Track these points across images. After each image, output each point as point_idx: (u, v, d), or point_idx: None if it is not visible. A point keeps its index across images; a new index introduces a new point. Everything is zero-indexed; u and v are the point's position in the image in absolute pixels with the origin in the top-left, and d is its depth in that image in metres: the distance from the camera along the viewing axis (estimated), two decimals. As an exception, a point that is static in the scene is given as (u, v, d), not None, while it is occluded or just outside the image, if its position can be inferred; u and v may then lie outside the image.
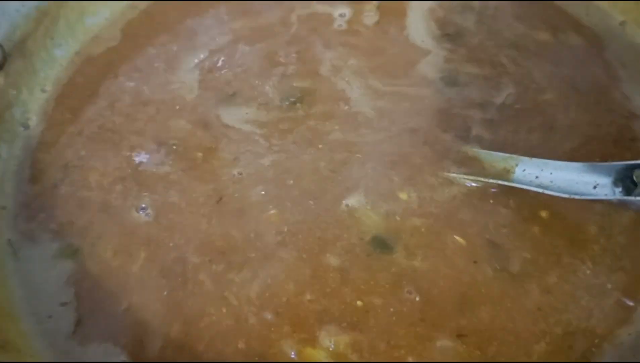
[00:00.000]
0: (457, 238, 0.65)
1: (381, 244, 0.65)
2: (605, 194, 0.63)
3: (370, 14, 0.91)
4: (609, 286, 0.61)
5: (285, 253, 0.64)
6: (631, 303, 0.60)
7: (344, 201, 0.68)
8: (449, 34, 0.88)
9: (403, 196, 0.68)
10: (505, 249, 0.64)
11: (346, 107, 0.78)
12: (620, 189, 0.62)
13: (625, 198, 0.61)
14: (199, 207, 0.69)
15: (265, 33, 0.89)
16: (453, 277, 0.62)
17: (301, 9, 0.92)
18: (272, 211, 0.67)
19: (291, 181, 0.70)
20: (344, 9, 0.92)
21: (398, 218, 0.66)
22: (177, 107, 0.79)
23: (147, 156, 0.74)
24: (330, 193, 0.69)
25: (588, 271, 0.62)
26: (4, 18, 0.77)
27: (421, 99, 0.79)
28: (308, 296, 0.61)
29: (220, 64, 0.85)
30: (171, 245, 0.65)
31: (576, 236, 0.65)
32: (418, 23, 0.89)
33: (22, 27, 0.80)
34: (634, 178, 0.61)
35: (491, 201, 0.68)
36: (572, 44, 0.86)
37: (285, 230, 0.66)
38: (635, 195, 0.60)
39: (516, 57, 0.83)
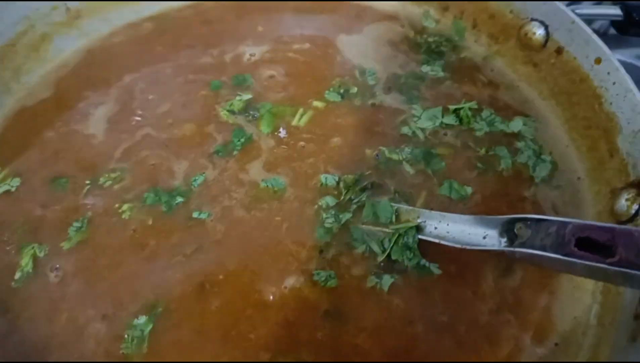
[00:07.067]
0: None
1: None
2: (493, 245, 0.69)
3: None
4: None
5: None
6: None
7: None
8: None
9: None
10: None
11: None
12: (505, 239, 0.68)
13: (508, 249, 0.67)
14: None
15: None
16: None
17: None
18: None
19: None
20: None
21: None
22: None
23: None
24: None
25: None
26: None
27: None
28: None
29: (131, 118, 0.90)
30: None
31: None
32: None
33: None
34: (515, 230, 0.67)
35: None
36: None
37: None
38: (515, 246, 0.66)
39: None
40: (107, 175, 0.83)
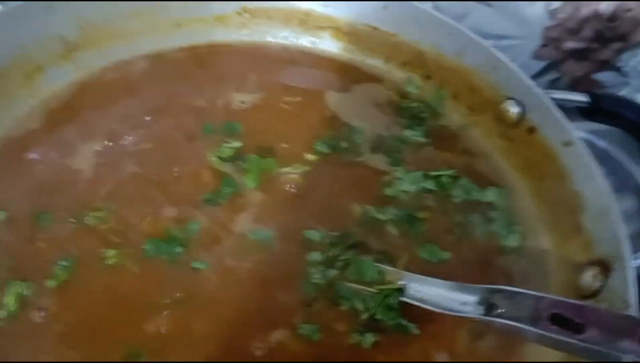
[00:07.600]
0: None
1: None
2: (470, 312, 0.73)
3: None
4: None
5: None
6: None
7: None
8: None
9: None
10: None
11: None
12: (482, 307, 0.73)
13: (485, 317, 0.71)
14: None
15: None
16: None
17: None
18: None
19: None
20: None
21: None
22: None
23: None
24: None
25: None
26: None
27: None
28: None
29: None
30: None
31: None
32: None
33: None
34: (493, 300, 0.72)
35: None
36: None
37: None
38: (493, 316, 0.71)
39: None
40: (92, 214, 0.83)
